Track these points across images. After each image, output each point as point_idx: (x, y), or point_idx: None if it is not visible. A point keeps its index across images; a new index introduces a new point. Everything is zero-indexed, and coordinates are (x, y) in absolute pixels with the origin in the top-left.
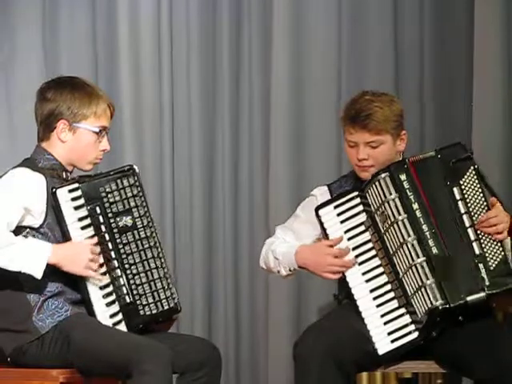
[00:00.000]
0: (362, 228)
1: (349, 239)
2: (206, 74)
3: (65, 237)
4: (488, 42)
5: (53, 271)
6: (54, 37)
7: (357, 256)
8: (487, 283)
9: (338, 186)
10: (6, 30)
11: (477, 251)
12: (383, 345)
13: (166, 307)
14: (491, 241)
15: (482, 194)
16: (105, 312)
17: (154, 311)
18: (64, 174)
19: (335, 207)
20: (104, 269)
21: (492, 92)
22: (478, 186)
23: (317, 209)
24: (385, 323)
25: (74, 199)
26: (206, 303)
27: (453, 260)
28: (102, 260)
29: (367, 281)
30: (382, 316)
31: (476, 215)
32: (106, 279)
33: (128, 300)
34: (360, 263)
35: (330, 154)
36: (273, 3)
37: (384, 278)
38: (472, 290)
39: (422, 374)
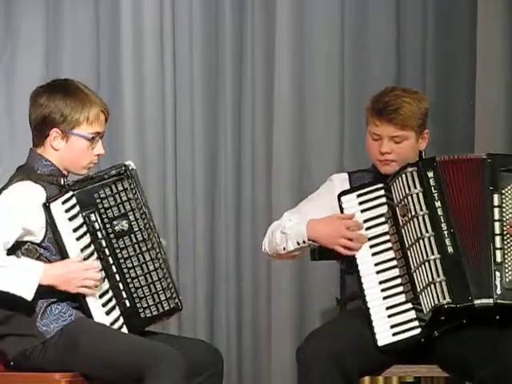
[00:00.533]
0: (382, 220)
1: (366, 229)
2: (209, 70)
3: (61, 250)
4: (491, 42)
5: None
6: (56, 28)
7: (372, 246)
8: (498, 292)
9: (359, 177)
10: (7, 27)
11: (498, 259)
12: (384, 337)
13: (166, 308)
14: None
15: None
16: (105, 321)
17: (155, 313)
18: (62, 180)
19: (358, 196)
20: (102, 274)
21: (494, 91)
22: None
23: (340, 195)
24: (389, 316)
25: (68, 210)
26: (209, 309)
27: (463, 261)
28: (101, 275)
29: (378, 272)
30: (388, 309)
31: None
32: (105, 285)
33: (128, 304)
34: (374, 254)
35: (333, 151)
36: None
37: (395, 272)
38: (482, 294)
39: (425, 378)
